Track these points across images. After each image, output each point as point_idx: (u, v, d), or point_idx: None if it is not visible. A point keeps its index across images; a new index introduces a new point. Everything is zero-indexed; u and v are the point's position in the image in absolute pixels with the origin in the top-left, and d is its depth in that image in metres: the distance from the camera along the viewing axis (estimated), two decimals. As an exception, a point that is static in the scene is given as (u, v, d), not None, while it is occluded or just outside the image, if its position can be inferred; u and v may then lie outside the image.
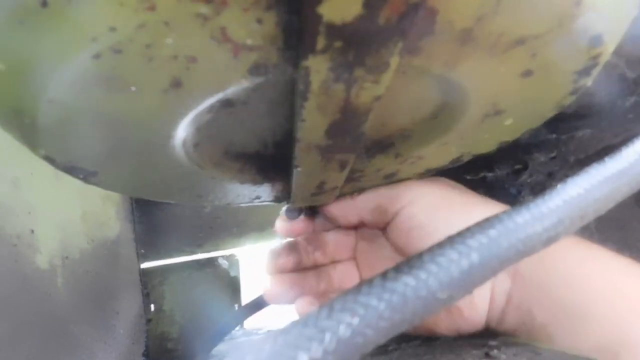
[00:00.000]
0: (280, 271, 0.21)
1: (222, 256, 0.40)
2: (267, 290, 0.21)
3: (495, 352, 0.17)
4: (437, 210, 0.18)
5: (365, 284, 0.09)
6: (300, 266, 0.21)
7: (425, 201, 0.18)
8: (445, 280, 0.09)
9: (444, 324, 0.19)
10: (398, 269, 0.09)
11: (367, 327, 0.08)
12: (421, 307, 0.09)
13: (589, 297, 0.16)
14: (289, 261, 0.21)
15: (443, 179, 0.20)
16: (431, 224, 0.18)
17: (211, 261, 0.39)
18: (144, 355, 0.34)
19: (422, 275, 0.09)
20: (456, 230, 0.10)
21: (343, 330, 0.08)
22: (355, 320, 0.08)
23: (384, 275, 0.09)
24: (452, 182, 0.20)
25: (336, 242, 0.22)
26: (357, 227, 0.21)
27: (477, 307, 0.18)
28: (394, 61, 0.10)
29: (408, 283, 0.09)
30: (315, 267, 0.22)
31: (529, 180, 0.24)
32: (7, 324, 0.19)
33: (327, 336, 0.08)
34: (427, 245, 0.10)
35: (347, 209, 0.20)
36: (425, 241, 0.18)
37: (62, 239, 0.25)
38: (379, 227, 0.20)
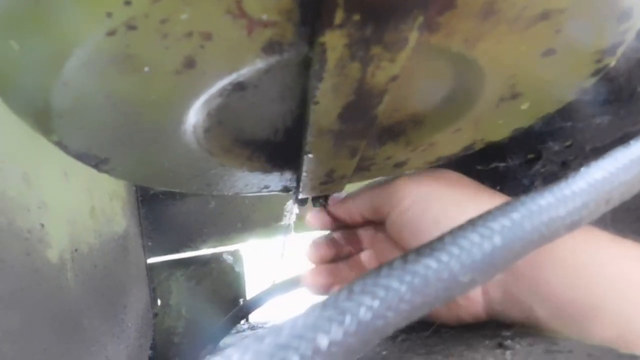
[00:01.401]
0: (321, 261, 0.23)
1: (227, 252, 0.40)
2: (306, 280, 0.23)
3: (509, 342, 0.16)
4: (426, 209, 0.18)
5: (385, 266, 0.09)
6: (337, 258, 0.23)
7: (415, 200, 0.19)
8: (467, 263, 0.09)
9: (443, 311, 0.19)
10: (419, 252, 0.09)
11: (388, 310, 0.08)
12: (443, 290, 0.09)
13: (592, 291, 0.15)
14: (329, 252, 0.22)
15: (441, 171, 0.20)
16: (421, 222, 0.18)
17: (216, 257, 0.39)
18: (151, 348, 0.34)
19: (444, 257, 0.09)
20: (446, 228, 0.10)
21: (363, 313, 0.08)
22: (376, 303, 0.08)
23: (405, 257, 0.09)
24: (449, 176, 0.19)
25: (370, 236, 0.22)
26: (364, 224, 0.22)
27: (470, 297, 0.18)
28: (413, 37, 0.09)
29: (430, 265, 0.09)
30: (347, 258, 0.23)
31: (542, 170, 0.23)
32: (20, 316, 0.19)
33: (348, 318, 0.08)
34: (419, 242, 0.09)
35: (349, 210, 0.21)
36: (418, 238, 0.18)
37: (72, 234, 0.25)
38: (382, 223, 0.21)
